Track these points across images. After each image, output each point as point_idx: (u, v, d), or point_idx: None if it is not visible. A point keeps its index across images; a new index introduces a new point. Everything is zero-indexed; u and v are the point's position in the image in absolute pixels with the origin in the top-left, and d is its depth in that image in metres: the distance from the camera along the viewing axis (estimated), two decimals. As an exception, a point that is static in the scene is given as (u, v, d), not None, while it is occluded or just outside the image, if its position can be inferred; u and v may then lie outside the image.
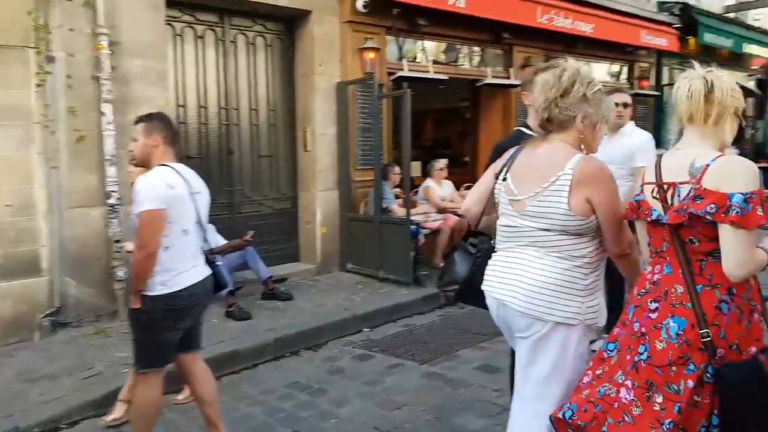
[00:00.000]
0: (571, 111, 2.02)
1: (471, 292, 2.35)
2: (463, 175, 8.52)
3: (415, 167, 7.85)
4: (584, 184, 1.97)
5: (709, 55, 12.21)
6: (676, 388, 1.78)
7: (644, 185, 1.99)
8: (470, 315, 5.43)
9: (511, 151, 2.25)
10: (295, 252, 6.78)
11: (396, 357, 4.42)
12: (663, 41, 10.49)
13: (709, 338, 1.76)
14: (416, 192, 7.18)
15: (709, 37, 11.16)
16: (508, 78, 8.52)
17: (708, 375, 1.78)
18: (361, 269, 6.44)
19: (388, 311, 5.37)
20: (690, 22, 11.01)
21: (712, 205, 1.74)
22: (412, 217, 6.11)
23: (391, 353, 4.50)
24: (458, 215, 6.67)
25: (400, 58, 7.45)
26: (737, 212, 1.70)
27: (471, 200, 2.42)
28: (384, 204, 6.35)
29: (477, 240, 2.47)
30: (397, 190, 6.70)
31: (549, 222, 2.02)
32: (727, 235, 1.74)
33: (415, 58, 7.70)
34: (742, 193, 1.71)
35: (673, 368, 1.79)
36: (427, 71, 7.55)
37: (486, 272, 2.24)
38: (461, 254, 2.45)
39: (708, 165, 1.79)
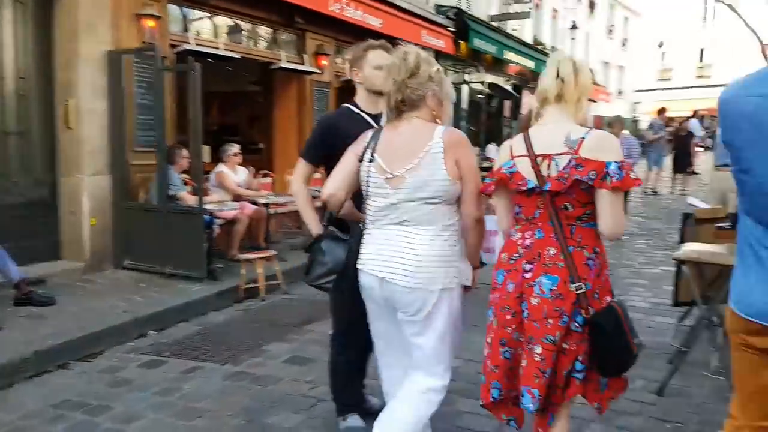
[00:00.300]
0: (421, 90, 2.16)
1: (352, 278, 2.30)
2: (255, 163, 8.09)
3: (204, 152, 7.18)
4: (453, 149, 2.12)
5: (476, 59, 13.48)
6: (552, 338, 1.98)
7: (515, 158, 2.11)
8: (273, 306, 5.09)
9: (369, 134, 2.29)
10: (55, 248, 5.67)
11: (193, 360, 3.86)
12: (441, 43, 11.24)
13: (583, 290, 1.98)
14: (207, 178, 6.55)
15: (478, 42, 12.27)
16: (303, 64, 8.29)
17: (576, 324, 2.00)
18: (143, 265, 5.62)
19: (178, 310, 4.74)
20: (462, 27, 11.97)
21: (593, 172, 1.95)
22: (205, 206, 5.51)
23: (187, 356, 3.93)
24: (255, 203, 6.31)
25: (185, 31, 6.74)
26: (616, 178, 1.94)
27: (335, 185, 2.33)
28: (171, 191, 5.63)
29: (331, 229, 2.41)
30: (185, 176, 6.01)
31: (429, 191, 2.11)
32: (606, 199, 1.97)
33: (199, 33, 7.04)
34: (616, 162, 1.96)
35: (550, 321, 1.98)
36: (217, 47, 6.95)
37: (362, 251, 2.26)
38: (330, 242, 2.39)
39: (583, 138, 2.01)
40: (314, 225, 2.61)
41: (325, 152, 2.65)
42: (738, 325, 1.72)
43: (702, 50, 35.63)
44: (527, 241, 2.08)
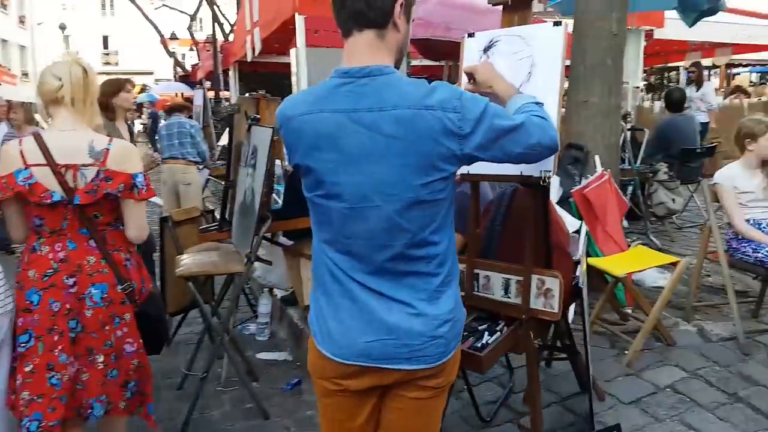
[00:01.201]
0: None
1: None
2: None
3: None
4: None
5: None
6: (110, 342, 2.07)
7: (32, 167, 1.99)
8: None
9: None
10: None
11: None
12: None
13: (131, 289, 2.11)
14: None
15: None
16: None
17: (128, 322, 2.13)
18: None
19: None
20: None
21: (122, 185, 2.04)
22: None
23: None
24: None
25: None
26: (142, 189, 2.08)
27: None
28: None
29: None
30: None
31: None
32: (132, 208, 2.10)
33: None
34: (140, 173, 2.09)
35: (106, 327, 2.06)
36: None
37: None
38: None
39: (108, 149, 2.04)
40: None
41: None
42: (330, 371, 1.52)
43: (106, 37, 35.97)
44: (60, 254, 2.04)
